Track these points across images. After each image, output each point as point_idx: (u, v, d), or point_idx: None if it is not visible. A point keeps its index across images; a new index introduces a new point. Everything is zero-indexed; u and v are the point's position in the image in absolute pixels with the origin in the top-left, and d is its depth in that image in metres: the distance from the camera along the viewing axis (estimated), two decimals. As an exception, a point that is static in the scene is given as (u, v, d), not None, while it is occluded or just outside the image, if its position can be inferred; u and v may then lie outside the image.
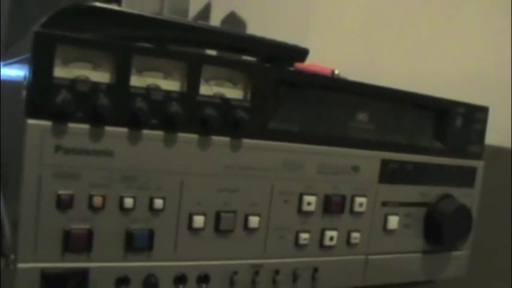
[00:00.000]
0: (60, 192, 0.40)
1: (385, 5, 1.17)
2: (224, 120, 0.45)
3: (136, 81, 0.42)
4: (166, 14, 0.58)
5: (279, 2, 1.28)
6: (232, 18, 1.25)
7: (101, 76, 0.41)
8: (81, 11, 0.48)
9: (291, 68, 0.56)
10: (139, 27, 0.49)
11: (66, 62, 0.40)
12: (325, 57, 0.64)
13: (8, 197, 0.49)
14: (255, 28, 0.53)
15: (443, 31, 1.05)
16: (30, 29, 0.41)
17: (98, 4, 0.47)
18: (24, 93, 0.40)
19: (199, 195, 0.45)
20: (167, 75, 0.43)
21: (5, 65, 0.65)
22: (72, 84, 0.39)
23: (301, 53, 0.55)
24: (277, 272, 0.49)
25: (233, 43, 0.54)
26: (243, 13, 1.25)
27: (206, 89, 0.44)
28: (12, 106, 0.50)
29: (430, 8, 1.08)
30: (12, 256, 0.41)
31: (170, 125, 0.42)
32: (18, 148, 0.41)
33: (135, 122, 0.41)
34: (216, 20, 1.27)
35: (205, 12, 1.32)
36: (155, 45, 0.44)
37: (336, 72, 0.56)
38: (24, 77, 0.41)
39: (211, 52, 0.58)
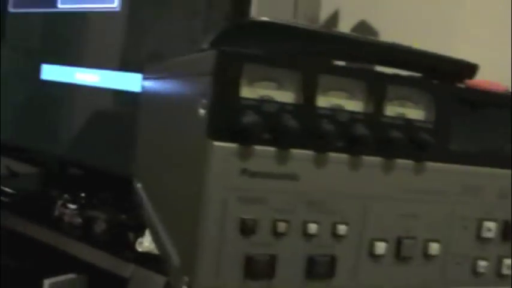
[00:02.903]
0: (245, 216, 0.38)
1: None
2: (409, 143, 0.42)
3: (322, 101, 0.40)
4: (300, 22, 0.57)
5: (413, 10, 1.24)
6: (363, 27, 1.22)
7: (285, 96, 0.39)
8: (252, 26, 0.47)
9: (464, 86, 0.52)
10: (309, 42, 0.47)
11: (251, 82, 0.39)
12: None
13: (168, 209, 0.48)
14: (387, 38, 0.51)
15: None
16: (196, 46, 0.40)
17: (270, 19, 0.46)
18: (202, 111, 0.39)
19: (381, 221, 0.42)
20: (351, 96, 0.41)
21: (156, 78, 0.65)
22: (259, 104, 0.38)
23: (471, 69, 0.52)
24: (455, 302, 0.46)
25: (398, 57, 0.51)
26: (374, 21, 1.22)
27: (390, 109, 0.42)
28: (179, 123, 0.49)
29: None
30: (186, 278, 0.40)
31: (356, 147, 0.40)
32: (195, 169, 0.40)
33: (321, 145, 0.39)
34: (345, 28, 1.25)
35: (334, 19, 1.30)
36: (336, 64, 0.42)
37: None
38: (201, 96, 0.40)
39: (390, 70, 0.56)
